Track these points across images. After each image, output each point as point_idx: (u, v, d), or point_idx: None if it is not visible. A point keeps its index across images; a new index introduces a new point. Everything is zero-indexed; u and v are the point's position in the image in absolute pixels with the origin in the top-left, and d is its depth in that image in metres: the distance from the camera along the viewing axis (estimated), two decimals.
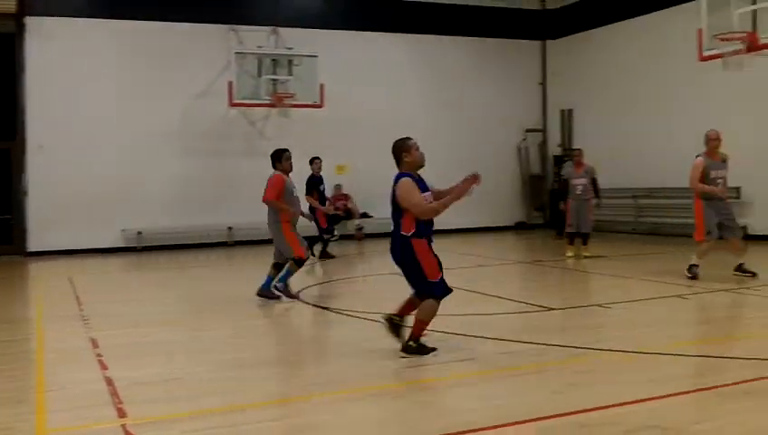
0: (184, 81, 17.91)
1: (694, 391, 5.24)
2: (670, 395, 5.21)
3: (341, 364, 6.42)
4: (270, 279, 9.67)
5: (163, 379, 6.02)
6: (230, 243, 18.11)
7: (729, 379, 5.51)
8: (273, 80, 17.94)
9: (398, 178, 6.68)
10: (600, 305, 8.93)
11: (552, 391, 5.44)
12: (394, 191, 6.61)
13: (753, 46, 12.43)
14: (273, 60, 18.08)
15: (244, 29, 18.35)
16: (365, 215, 19.55)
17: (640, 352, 6.52)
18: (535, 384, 5.68)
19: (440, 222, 17.60)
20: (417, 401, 5.30)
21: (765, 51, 12.67)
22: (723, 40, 12.80)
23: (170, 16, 17.88)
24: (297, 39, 18.38)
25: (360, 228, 19.24)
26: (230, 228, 18.17)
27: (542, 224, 21.51)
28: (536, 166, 21.91)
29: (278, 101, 17.58)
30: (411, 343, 6.59)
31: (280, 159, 9.95)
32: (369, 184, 19.70)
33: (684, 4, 16.07)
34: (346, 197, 19.34)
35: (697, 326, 8.35)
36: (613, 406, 4.97)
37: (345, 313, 8.83)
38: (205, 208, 18.00)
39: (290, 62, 18.11)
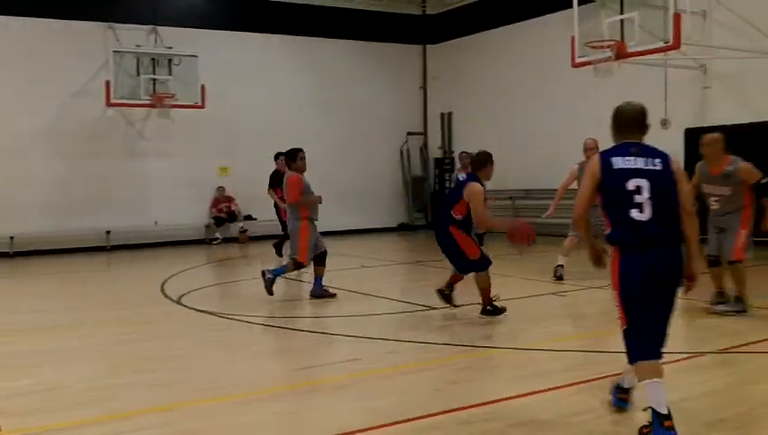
0: (58, 80, 17.23)
1: (571, 384, 5.46)
2: (550, 389, 5.42)
3: (225, 369, 6.36)
4: (318, 279, 9.82)
5: (38, 389, 5.79)
6: (108, 247, 17.55)
7: (605, 371, 5.76)
8: (153, 79, 17.53)
9: (471, 179, 8.06)
10: (480, 304, 9.17)
11: (435, 389, 5.57)
12: (463, 185, 8.00)
13: (620, 54, 13.05)
14: (153, 59, 17.65)
15: (122, 27, 17.81)
16: (249, 217, 19.38)
17: (520, 349, 6.75)
18: (418, 383, 5.78)
19: (324, 224, 17.54)
20: (302, 405, 5.31)
21: (632, 58, 13.34)
22: (593, 47, 13.38)
23: (43, 12, 17.15)
24: (177, 38, 18.02)
25: (244, 231, 19.05)
26: (108, 232, 17.61)
27: (424, 225, 21.88)
28: (418, 168, 22.26)
29: (158, 101, 17.18)
30: (488, 307, 8.15)
31: (295, 158, 9.90)
32: (252, 186, 19.54)
33: (559, 12, 16.67)
34: (229, 199, 19.12)
35: (573, 322, 8.71)
36: (495, 402, 5.13)
37: (229, 316, 8.73)
38: (82, 212, 17.38)
39: (170, 61, 17.73)
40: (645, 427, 4.42)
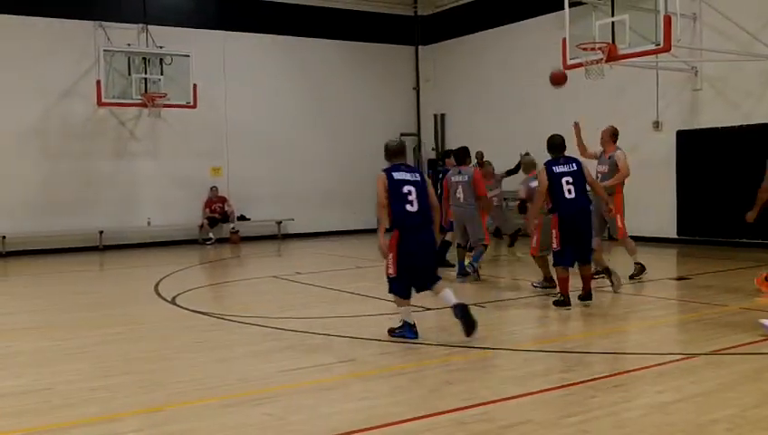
0: (48, 79, 17.20)
1: (566, 385, 5.47)
2: (544, 390, 5.44)
3: (217, 369, 6.35)
4: (462, 263, 11.32)
5: (30, 390, 5.78)
6: (101, 247, 17.50)
7: (597, 373, 5.80)
8: (145, 79, 17.50)
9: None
10: (475, 305, 9.19)
11: (430, 390, 5.57)
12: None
13: (612, 56, 13.10)
14: (144, 58, 17.62)
15: (113, 26, 17.77)
16: (242, 217, 19.37)
17: (515, 350, 6.77)
18: (413, 384, 5.79)
19: (318, 224, 17.39)
20: (295, 406, 5.30)
21: (624, 60, 13.40)
22: (584, 49, 13.42)
23: (33, 11, 17.09)
24: (169, 38, 17.99)
25: (236, 231, 19.03)
26: (101, 232, 17.56)
27: None
28: None
29: (149, 100, 17.15)
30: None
31: (468, 154, 11.63)
32: (245, 186, 19.55)
33: (550, 14, 16.71)
34: (222, 199, 19.10)
35: (568, 323, 8.71)
36: (490, 402, 5.14)
37: (222, 317, 8.73)
38: (74, 212, 17.35)
39: (161, 61, 17.70)
40: (392, 329, 7.25)
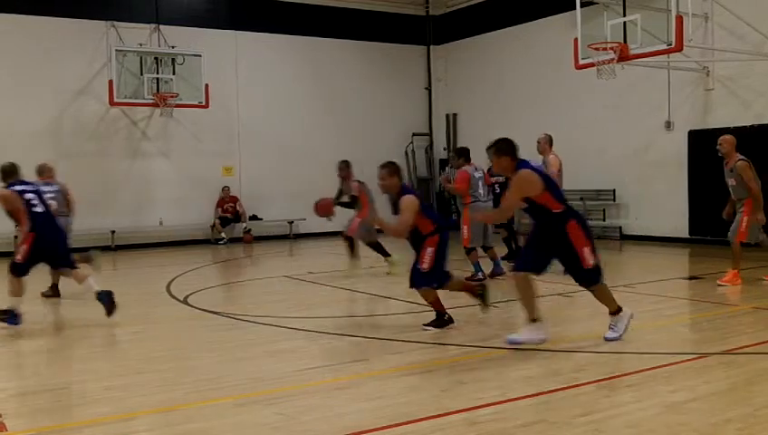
0: (60, 79, 17.26)
1: (578, 385, 5.47)
2: (557, 390, 5.43)
3: (230, 369, 6.37)
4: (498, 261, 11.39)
5: (43, 389, 5.81)
6: (113, 247, 17.57)
7: (610, 372, 5.80)
8: (157, 79, 17.57)
9: None
10: (486, 305, 9.17)
11: (442, 390, 5.57)
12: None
13: (623, 56, 13.08)
14: (156, 58, 17.69)
15: (125, 26, 17.84)
16: (254, 217, 19.40)
17: (527, 349, 6.77)
18: (425, 383, 5.79)
19: (329, 224, 17.38)
20: (308, 405, 5.32)
21: (635, 60, 13.38)
22: (596, 49, 13.41)
23: (45, 11, 17.17)
24: (181, 37, 18.05)
25: (248, 231, 19.07)
26: (113, 232, 17.63)
27: None
28: (423, 169, 22.28)
29: (161, 100, 17.21)
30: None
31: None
32: (257, 186, 19.58)
33: (562, 14, 16.69)
34: (234, 199, 19.15)
35: (579, 323, 8.71)
36: (503, 402, 5.14)
37: (235, 316, 8.76)
38: (86, 211, 17.27)
39: (173, 60, 17.77)
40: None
